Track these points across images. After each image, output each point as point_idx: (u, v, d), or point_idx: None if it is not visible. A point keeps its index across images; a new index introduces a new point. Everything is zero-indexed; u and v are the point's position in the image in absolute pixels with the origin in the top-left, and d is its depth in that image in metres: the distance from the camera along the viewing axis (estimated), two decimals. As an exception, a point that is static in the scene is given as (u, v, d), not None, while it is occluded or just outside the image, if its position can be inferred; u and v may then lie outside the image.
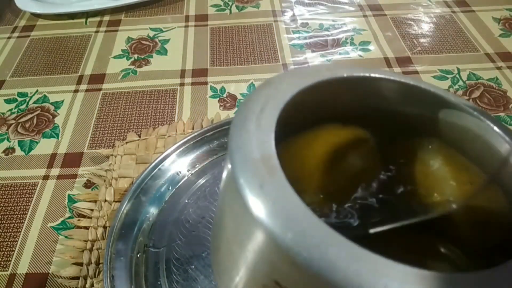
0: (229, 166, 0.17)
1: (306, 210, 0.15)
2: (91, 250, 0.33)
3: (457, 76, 0.48)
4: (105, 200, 0.36)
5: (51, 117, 0.45)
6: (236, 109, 0.44)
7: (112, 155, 0.40)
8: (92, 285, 0.31)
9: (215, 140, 0.39)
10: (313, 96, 0.22)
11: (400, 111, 0.24)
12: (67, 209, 0.36)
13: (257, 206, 0.15)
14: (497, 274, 0.15)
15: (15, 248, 0.34)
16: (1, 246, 0.34)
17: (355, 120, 0.23)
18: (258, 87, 0.21)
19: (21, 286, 0.32)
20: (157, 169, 0.36)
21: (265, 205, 0.15)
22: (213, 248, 0.25)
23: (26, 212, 0.36)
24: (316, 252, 0.14)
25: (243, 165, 0.17)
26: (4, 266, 0.33)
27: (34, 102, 0.47)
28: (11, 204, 0.37)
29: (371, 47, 0.52)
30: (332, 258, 0.14)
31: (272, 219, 0.15)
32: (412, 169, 0.24)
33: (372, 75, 0.23)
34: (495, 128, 0.21)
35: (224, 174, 0.20)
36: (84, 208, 0.36)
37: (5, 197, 0.38)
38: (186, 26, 0.57)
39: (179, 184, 0.36)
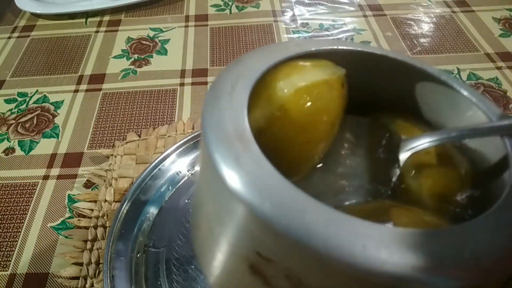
0: (204, 144, 0.17)
1: (282, 179, 0.15)
2: (91, 250, 0.33)
3: (457, 76, 0.48)
4: (105, 200, 0.36)
5: (51, 117, 0.45)
6: (236, 109, 0.44)
7: (112, 155, 0.40)
8: (92, 285, 0.31)
9: (215, 140, 0.39)
10: None
11: (368, 82, 0.24)
12: (67, 209, 0.36)
13: (234, 180, 0.15)
14: (465, 228, 0.15)
15: (15, 248, 0.34)
16: (1, 246, 0.34)
17: None
18: (228, 65, 0.21)
19: (21, 286, 0.32)
20: (157, 169, 0.36)
21: (242, 178, 0.15)
22: (194, 230, 0.25)
23: (26, 212, 0.36)
24: (294, 219, 0.14)
25: (217, 141, 0.17)
26: (4, 266, 0.33)
27: (34, 102, 0.47)
28: (11, 204, 0.37)
29: (371, 47, 0.52)
30: (311, 224, 0.14)
31: (249, 191, 0.15)
32: (377, 138, 0.24)
33: (340, 47, 0.23)
34: (465, 93, 0.22)
35: (201, 154, 0.20)
36: (84, 208, 0.36)
37: (5, 197, 0.38)
38: (186, 26, 0.57)
39: (179, 184, 0.36)
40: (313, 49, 0.22)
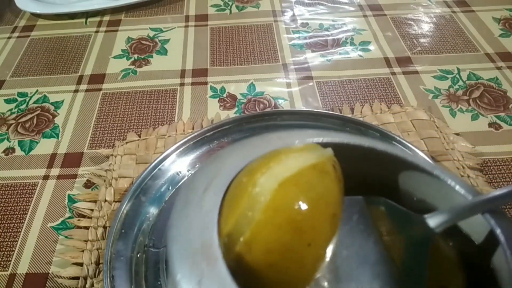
0: (168, 257, 0.16)
1: None
2: (91, 250, 0.33)
3: (457, 76, 0.48)
4: (105, 200, 0.36)
5: (51, 117, 0.45)
6: (236, 109, 0.45)
7: (112, 155, 0.40)
8: (92, 285, 0.31)
9: (215, 140, 0.39)
10: None
11: (355, 173, 0.22)
12: (67, 209, 0.36)
13: None
14: None
15: (15, 248, 0.34)
16: (1, 246, 0.34)
17: None
18: (204, 163, 0.19)
19: (21, 286, 0.32)
20: (157, 169, 0.36)
21: None
22: None
23: (26, 212, 0.36)
24: None
25: (181, 258, 0.15)
26: (4, 266, 0.33)
27: (34, 102, 0.47)
28: (11, 204, 0.37)
29: (371, 47, 0.52)
30: None
31: None
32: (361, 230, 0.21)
33: (325, 140, 0.21)
34: (450, 183, 0.21)
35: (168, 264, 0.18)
36: (84, 208, 0.36)
37: (5, 197, 0.37)
38: (186, 26, 0.57)
39: (179, 184, 0.36)
40: (296, 142, 0.20)
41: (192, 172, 0.37)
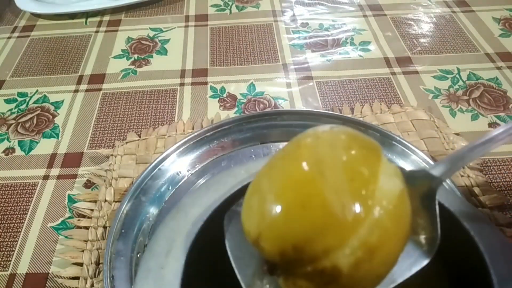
0: None
1: None
2: (91, 250, 0.33)
3: (457, 76, 0.48)
4: (105, 200, 0.36)
5: (51, 117, 0.45)
6: (236, 109, 0.44)
7: (112, 155, 0.40)
8: (92, 285, 0.31)
9: (215, 140, 0.39)
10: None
11: None
12: (67, 209, 0.36)
13: None
14: None
15: (15, 248, 0.34)
16: (1, 246, 0.34)
17: None
18: (165, 220, 0.18)
19: (21, 286, 0.32)
20: (157, 169, 0.36)
21: None
22: None
23: (26, 212, 0.36)
24: None
25: None
26: (4, 266, 0.33)
27: (34, 102, 0.47)
28: (11, 204, 0.37)
29: (371, 47, 0.52)
30: None
31: None
32: None
33: None
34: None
35: None
36: (84, 208, 0.36)
37: (5, 197, 0.37)
38: (186, 26, 0.57)
39: (179, 184, 0.36)
40: None
41: (192, 172, 0.37)
